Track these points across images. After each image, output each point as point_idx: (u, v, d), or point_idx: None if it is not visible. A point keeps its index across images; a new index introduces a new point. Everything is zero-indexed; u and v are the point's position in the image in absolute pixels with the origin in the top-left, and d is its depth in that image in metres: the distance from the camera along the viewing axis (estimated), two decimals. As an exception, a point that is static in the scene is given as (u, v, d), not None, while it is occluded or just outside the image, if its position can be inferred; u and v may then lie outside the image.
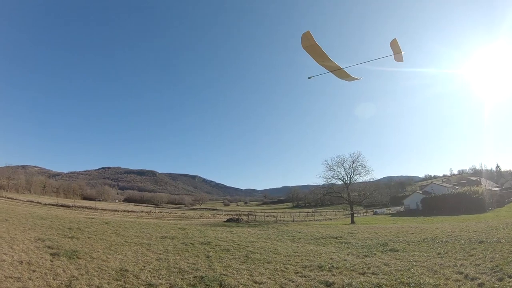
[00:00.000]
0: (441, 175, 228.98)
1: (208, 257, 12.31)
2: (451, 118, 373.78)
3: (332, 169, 56.69)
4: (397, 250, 14.33)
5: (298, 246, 16.09)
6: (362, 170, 55.85)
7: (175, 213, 69.20)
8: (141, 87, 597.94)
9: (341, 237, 20.65)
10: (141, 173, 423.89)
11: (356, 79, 9.54)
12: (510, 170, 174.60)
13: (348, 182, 55.77)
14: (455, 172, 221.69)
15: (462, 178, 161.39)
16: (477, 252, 12.11)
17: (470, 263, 10.36)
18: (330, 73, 9.23)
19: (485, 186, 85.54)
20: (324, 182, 57.49)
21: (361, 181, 57.83)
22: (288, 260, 12.03)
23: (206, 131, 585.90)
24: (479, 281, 8.17)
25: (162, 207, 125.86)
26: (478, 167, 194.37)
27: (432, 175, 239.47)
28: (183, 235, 19.37)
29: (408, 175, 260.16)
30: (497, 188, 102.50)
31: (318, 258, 12.49)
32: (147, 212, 61.65)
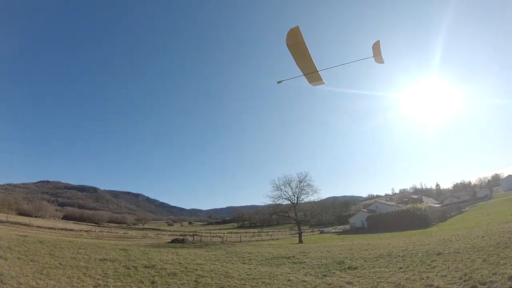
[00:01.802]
0: (383, 194, 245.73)
1: (153, 282, 11.23)
2: (392, 140, 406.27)
3: (279, 189, 57.71)
4: (356, 268, 14.34)
5: (250, 268, 15.38)
6: (309, 190, 57.60)
7: (116, 232, 66.37)
8: (84, 97, 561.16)
9: (293, 256, 20.45)
10: (82, 189, 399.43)
11: (323, 83, 9.48)
12: (448, 188, 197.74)
13: (295, 201, 57.04)
14: (397, 191, 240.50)
15: (404, 196, 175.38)
16: (438, 264, 12.47)
17: (436, 275, 10.55)
18: (292, 79, 9.23)
19: (427, 203, 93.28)
20: (271, 202, 58.27)
21: (308, 200, 59.46)
22: (243, 284, 11.34)
23: (151, 148, 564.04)
24: None
25: (103, 226, 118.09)
26: (418, 186, 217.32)
27: (375, 194, 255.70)
28: (125, 257, 17.99)
29: (352, 195, 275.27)
30: (438, 205, 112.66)
31: (275, 281, 11.94)
32: (86, 231, 57.89)
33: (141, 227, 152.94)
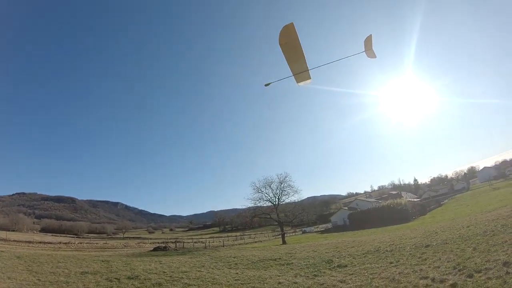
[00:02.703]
0: (362, 192, 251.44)
1: None
2: (369, 138, 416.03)
3: (260, 191, 58.34)
4: (346, 266, 14.45)
5: (237, 273, 15.18)
6: (290, 191, 58.60)
7: (96, 243, 65.33)
8: (57, 106, 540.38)
9: (279, 258, 20.38)
10: (59, 199, 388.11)
11: (310, 82, 9.48)
12: (426, 183, 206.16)
13: (277, 203, 57.59)
14: (376, 188, 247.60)
15: (383, 193, 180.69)
16: (429, 256, 12.71)
17: (429, 267, 10.73)
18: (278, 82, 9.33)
19: (406, 198, 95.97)
20: (252, 204, 58.81)
21: (289, 201, 60.23)
22: (233, 290, 11.03)
23: (127, 155, 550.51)
24: (450, 282, 8.42)
25: (82, 237, 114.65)
26: (396, 182, 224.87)
27: (355, 192, 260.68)
28: (106, 268, 17.41)
29: (331, 194, 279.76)
30: (417, 199, 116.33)
31: (265, 284, 11.86)
32: (65, 243, 56.17)
33: (122, 237, 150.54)
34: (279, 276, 13.67)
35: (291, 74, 8.84)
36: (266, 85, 9.61)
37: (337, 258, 17.33)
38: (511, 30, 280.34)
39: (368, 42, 8.53)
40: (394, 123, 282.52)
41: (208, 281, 13.18)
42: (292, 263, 17.64)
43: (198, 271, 16.45)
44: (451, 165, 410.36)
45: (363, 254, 17.46)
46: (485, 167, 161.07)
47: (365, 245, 22.29)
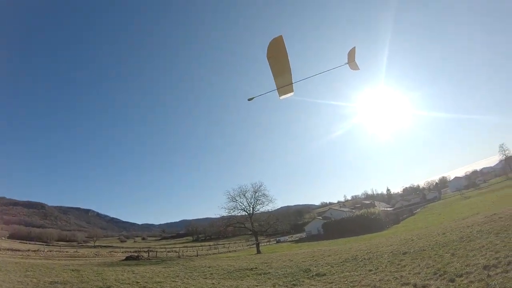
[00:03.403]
0: (336, 201, 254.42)
1: None
2: (343, 149, 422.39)
3: (234, 200, 58.30)
4: (324, 274, 14.48)
5: (214, 283, 14.89)
6: (264, 200, 58.86)
7: (66, 251, 62.85)
8: (26, 107, 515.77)
9: (256, 268, 20.24)
10: (28, 205, 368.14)
11: (291, 95, 9.54)
12: (399, 192, 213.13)
13: (251, 212, 57.50)
14: (349, 198, 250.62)
15: (356, 202, 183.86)
16: (408, 263, 12.88)
17: (409, 273, 10.87)
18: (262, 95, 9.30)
19: (380, 207, 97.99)
20: (226, 213, 58.53)
21: (264, 210, 60.39)
22: (210, 302, 10.74)
23: (100, 161, 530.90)
24: (432, 287, 8.45)
25: (52, 245, 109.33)
26: (370, 192, 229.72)
27: (328, 202, 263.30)
28: (77, 278, 16.82)
29: (305, 203, 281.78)
30: (391, 208, 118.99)
31: (244, 295, 11.49)
32: (34, 251, 54.30)
33: (93, 245, 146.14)
34: (256, 286, 13.54)
35: (274, 87, 8.81)
36: (249, 99, 9.44)
37: (315, 267, 17.32)
38: (479, 47, 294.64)
39: (351, 54, 8.68)
40: (370, 134, 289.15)
41: (183, 292, 12.82)
42: (269, 272, 17.49)
43: (173, 281, 16.04)
44: (423, 175, 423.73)
45: (341, 262, 17.53)
46: (456, 177, 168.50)
47: (342, 253, 22.41)
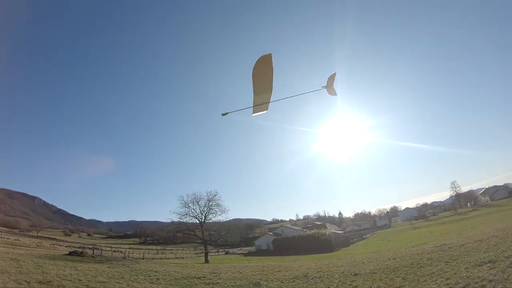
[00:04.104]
0: (288, 219, 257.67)
1: None
2: (300, 170, 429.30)
3: (187, 206, 57.34)
4: (275, 289, 14.20)
5: (160, 289, 14.17)
6: (217, 210, 58.45)
7: (7, 238, 59.98)
8: None
9: (204, 277, 19.92)
10: None
11: (263, 113, 9.59)
12: (350, 217, 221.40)
13: (203, 220, 57.02)
14: (301, 217, 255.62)
15: (308, 222, 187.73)
16: (359, 284, 13.08)
17: (361, 294, 10.79)
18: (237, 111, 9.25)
19: (331, 229, 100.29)
20: (178, 219, 57.63)
21: (216, 220, 59.96)
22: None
23: (51, 147, 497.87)
24: None
25: None
26: (322, 214, 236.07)
27: (280, 219, 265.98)
28: (16, 269, 15.87)
29: (256, 218, 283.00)
30: (341, 231, 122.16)
31: (191, 303, 11.08)
32: None
33: (36, 235, 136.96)
34: (205, 295, 13.10)
35: (248, 104, 8.84)
36: (223, 114, 9.31)
37: (265, 281, 17.23)
38: (433, 77, 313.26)
39: (331, 79, 8.91)
40: (328, 159, 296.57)
41: (129, 295, 12.16)
42: (218, 283, 17.23)
43: (117, 282, 15.36)
44: (375, 203, 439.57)
45: (291, 279, 17.55)
46: (407, 208, 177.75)
47: (292, 270, 22.45)
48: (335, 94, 9.11)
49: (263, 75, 7.48)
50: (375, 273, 15.44)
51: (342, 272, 17.43)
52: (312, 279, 16.64)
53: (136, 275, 19.64)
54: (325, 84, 9.08)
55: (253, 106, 8.83)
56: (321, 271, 19.79)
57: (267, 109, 9.20)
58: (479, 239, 19.79)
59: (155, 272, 22.56)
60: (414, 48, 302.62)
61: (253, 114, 9.30)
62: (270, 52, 6.96)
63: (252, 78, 7.50)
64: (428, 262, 15.12)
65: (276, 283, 16.31)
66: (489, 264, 11.25)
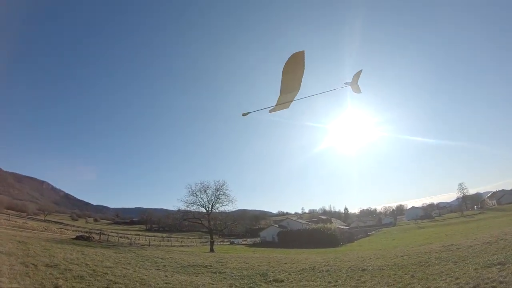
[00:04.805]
0: (293, 212, 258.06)
1: (56, 286, 9.82)
2: (308, 164, 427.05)
3: (194, 194, 57.53)
4: (282, 281, 14.64)
5: (167, 276, 14.66)
6: (224, 199, 58.54)
7: (15, 221, 61.64)
8: None
9: (210, 266, 20.17)
10: None
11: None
12: (355, 213, 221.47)
13: (210, 209, 57.31)
14: (307, 210, 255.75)
15: (313, 216, 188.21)
16: (367, 279, 13.22)
17: (371, 289, 10.96)
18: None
19: (336, 224, 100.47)
20: (185, 207, 57.83)
21: (222, 210, 60.19)
22: (164, 294, 10.54)
23: (60, 133, 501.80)
24: None
25: (0, 212, 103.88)
26: (327, 208, 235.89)
27: (285, 211, 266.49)
28: (23, 251, 16.21)
29: (262, 209, 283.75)
30: (346, 227, 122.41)
31: (200, 292, 11.38)
32: None
33: (43, 219, 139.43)
34: (212, 284, 13.46)
35: (281, 102, 8.75)
36: (243, 114, 9.27)
37: (272, 272, 17.43)
38: (445, 73, 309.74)
39: (356, 76, 8.93)
40: (337, 154, 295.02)
41: (136, 280, 12.49)
42: (224, 272, 17.47)
43: (124, 268, 15.63)
44: (380, 200, 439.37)
45: (299, 271, 17.75)
46: (413, 207, 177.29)
47: (298, 263, 22.68)
48: (360, 92, 9.09)
49: (293, 73, 7.36)
50: (383, 269, 15.56)
51: (350, 267, 17.57)
52: (319, 272, 16.82)
53: (143, 261, 19.97)
54: (349, 81, 9.09)
55: (277, 105, 8.76)
56: (328, 264, 19.95)
57: (288, 107, 9.16)
58: (488, 241, 19.76)
59: (162, 259, 22.93)
60: (420, 46, 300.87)
61: (272, 111, 9.28)
62: (303, 50, 6.75)
63: (282, 75, 7.36)
64: (436, 261, 15.20)
65: (284, 274, 16.50)
66: (498, 266, 11.33)
